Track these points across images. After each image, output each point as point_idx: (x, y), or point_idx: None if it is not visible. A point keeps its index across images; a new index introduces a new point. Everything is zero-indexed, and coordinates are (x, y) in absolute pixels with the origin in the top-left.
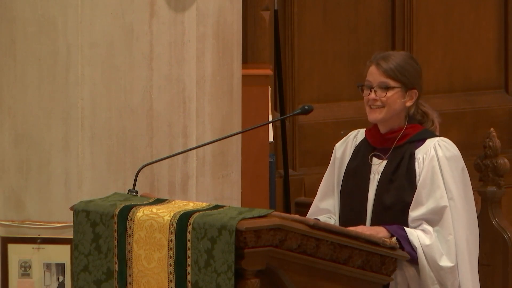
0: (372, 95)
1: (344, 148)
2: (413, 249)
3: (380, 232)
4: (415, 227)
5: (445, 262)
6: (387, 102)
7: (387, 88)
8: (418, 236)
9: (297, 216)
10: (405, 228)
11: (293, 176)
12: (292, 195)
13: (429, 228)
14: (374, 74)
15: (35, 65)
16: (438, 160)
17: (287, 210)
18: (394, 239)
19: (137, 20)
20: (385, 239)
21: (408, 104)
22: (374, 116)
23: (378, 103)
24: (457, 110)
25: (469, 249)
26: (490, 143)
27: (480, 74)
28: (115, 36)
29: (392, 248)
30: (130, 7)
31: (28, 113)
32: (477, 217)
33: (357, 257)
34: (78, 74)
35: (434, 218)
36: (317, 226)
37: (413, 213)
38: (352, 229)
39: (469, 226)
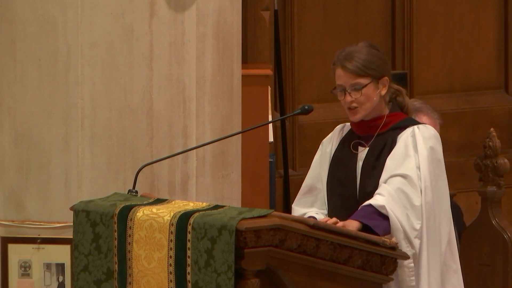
0: (348, 98)
1: (331, 142)
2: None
3: (350, 226)
4: None
5: (407, 217)
6: (363, 101)
7: (360, 88)
8: (376, 198)
9: (297, 216)
10: (367, 202)
11: (293, 176)
12: (292, 195)
13: (381, 190)
14: (343, 77)
15: (35, 65)
16: (415, 139)
17: (287, 210)
18: (394, 239)
19: (137, 20)
20: (385, 239)
21: (383, 92)
22: (355, 117)
23: (355, 104)
24: (457, 110)
25: (428, 229)
26: (490, 143)
27: (480, 74)
28: (115, 36)
29: (392, 248)
30: (130, 7)
31: (28, 113)
32: (477, 217)
33: (357, 257)
34: (78, 74)
35: (398, 177)
36: (317, 226)
37: (381, 180)
38: (323, 220)
39: (437, 206)
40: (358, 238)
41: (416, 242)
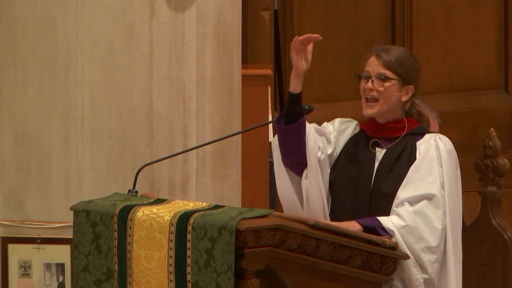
0: (369, 84)
1: (345, 128)
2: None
3: (351, 227)
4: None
5: (425, 241)
6: (383, 94)
7: (384, 79)
8: (392, 221)
9: (297, 216)
10: (378, 218)
11: None
12: None
13: (404, 212)
14: (373, 65)
15: (35, 65)
16: (439, 151)
17: None
18: (394, 239)
19: (137, 20)
20: (385, 239)
21: (404, 99)
22: (369, 110)
23: (374, 93)
24: (457, 110)
25: (454, 241)
26: (490, 143)
27: (480, 74)
28: (115, 36)
29: (392, 248)
30: (130, 7)
31: (28, 113)
32: (477, 217)
33: (357, 257)
34: (78, 74)
35: (422, 200)
36: (317, 226)
37: (401, 194)
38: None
39: (457, 219)
40: (358, 238)
41: (435, 266)
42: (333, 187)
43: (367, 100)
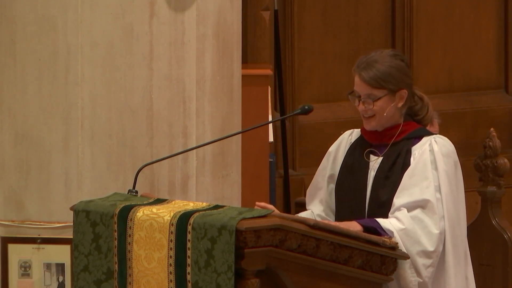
0: (361, 106)
1: (338, 147)
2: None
3: (351, 227)
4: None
5: (421, 245)
6: (377, 111)
7: (373, 99)
8: (391, 222)
9: (297, 216)
10: (377, 219)
11: (293, 176)
12: (292, 195)
13: (402, 216)
14: (359, 85)
15: (35, 65)
16: (434, 155)
17: (287, 210)
18: (394, 239)
19: (137, 20)
20: (385, 239)
21: (400, 104)
22: (369, 125)
23: (369, 112)
24: (457, 110)
25: (454, 244)
26: (490, 143)
27: (480, 74)
28: (115, 36)
29: (392, 248)
30: (130, 7)
31: (28, 113)
32: (477, 217)
33: (357, 257)
34: (78, 74)
35: (417, 208)
36: (317, 226)
37: (397, 201)
38: (326, 222)
39: (456, 222)
40: (358, 238)
41: (429, 271)
42: (335, 199)
43: (364, 116)
